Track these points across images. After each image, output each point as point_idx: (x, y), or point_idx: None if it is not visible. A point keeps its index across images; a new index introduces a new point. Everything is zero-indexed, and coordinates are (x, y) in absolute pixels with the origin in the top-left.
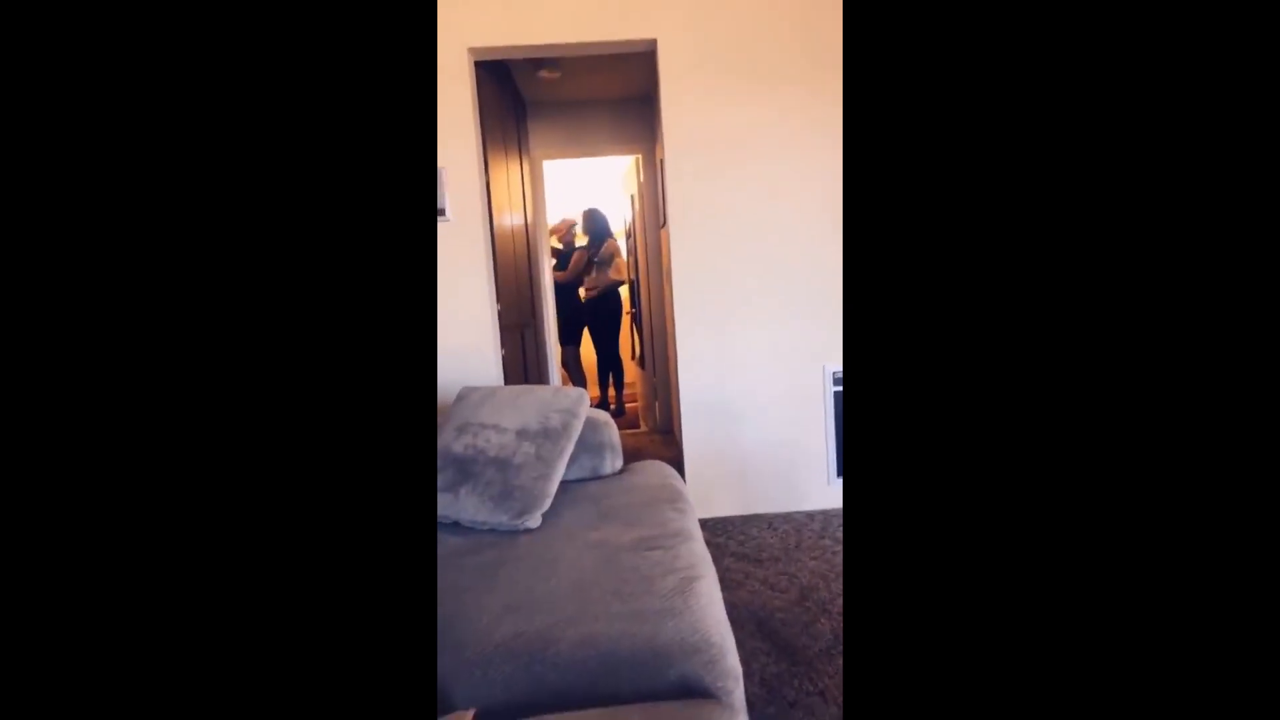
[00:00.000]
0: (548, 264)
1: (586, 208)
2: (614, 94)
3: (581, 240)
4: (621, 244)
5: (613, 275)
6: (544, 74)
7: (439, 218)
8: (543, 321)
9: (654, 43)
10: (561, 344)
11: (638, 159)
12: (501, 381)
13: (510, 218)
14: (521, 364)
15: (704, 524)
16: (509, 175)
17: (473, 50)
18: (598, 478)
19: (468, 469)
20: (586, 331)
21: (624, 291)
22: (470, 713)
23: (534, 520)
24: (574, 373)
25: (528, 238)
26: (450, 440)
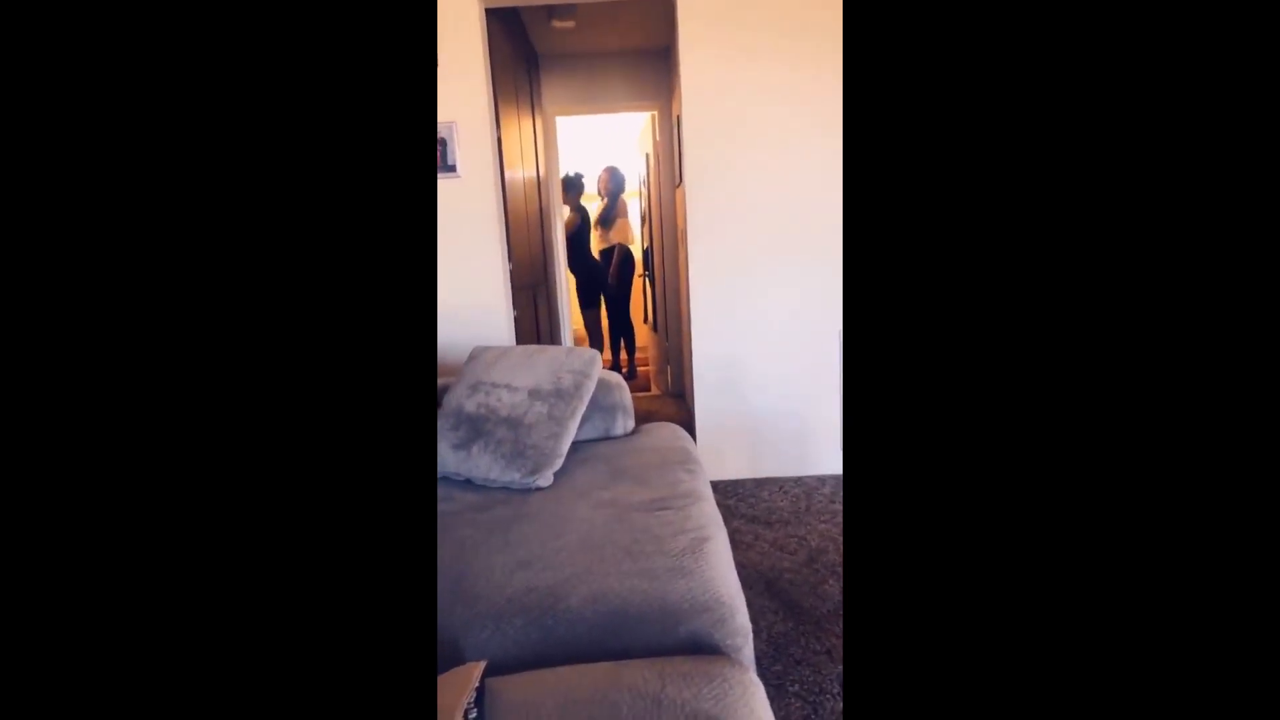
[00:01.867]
0: (560, 223)
1: (607, 165)
2: (629, 46)
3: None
4: (634, 205)
5: (615, 238)
6: (557, 23)
7: (450, 174)
8: (555, 282)
9: None
10: (581, 308)
11: (653, 115)
12: (514, 342)
13: (522, 174)
14: (534, 325)
15: (715, 486)
16: (520, 130)
17: None
18: (609, 438)
19: (480, 427)
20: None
21: (636, 253)
22: (481, 665)
23: (546, 479)
24: (594, 337)
25: (540, 196)
26: (463, 399)
